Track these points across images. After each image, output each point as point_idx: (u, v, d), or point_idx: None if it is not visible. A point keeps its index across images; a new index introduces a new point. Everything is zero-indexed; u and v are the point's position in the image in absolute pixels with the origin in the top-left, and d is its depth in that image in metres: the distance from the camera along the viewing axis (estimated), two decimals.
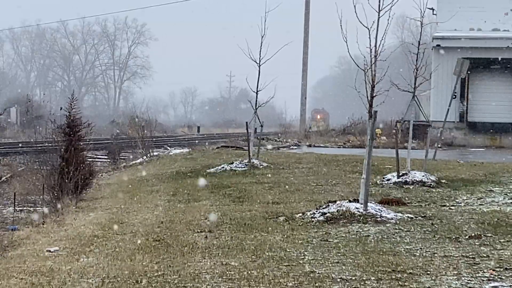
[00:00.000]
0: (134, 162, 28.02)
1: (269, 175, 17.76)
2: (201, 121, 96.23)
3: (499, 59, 33.87)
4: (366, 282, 7.07)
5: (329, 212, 10.85)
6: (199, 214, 11.74)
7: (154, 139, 32.70)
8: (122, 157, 31.72)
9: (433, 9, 35.62)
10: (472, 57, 31.25)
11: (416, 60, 16.49)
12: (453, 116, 32.68)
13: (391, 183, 15.61)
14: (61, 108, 20.98)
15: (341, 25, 11.83)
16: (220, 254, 8.51)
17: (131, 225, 11.22)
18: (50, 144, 18.15)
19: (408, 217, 10.72)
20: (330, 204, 11.23)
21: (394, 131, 28.09)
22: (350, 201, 11.24)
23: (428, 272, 7.40)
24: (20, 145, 35.27)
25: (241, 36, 20.23)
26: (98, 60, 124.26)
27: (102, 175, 23.49)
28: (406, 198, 13.60)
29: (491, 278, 7.16)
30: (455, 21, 29.54)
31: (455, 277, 7.21)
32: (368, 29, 11.34)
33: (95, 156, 31.18)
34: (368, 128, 11.45)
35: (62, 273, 7.93)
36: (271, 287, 7.00)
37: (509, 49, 33.75)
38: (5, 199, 18.47)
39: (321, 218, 10.73)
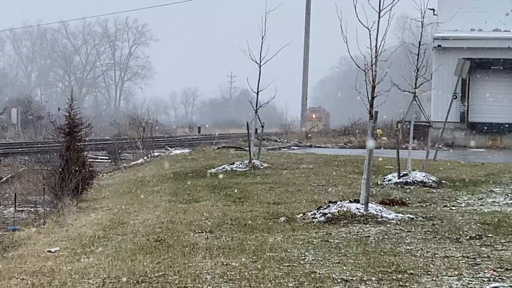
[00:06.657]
0: (134, 162, 28.00)
1: (270, 176, 17.75)
2: (202, 122, 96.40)
3: (500, 59, 33.85)
4: (367, 282, 7.06)
5: (330, 213, 10.84)
6: (200, 215, 11.74)
7: (154, 140, 32.67)
8: (122, 158, 31.72)
9: (434, 10, 35.58)
10: (473, 58, 31.26)
11: (417, 60, 16.49)
12: (454, 116, 32.65)
13: (392, 184, 15.61)
14: (59, 109, 21.01)
15: (341, 26, 11.85)
16: (220, 255, 8.51)
17: (132, 225, 11.22)
18: (50, 145, 18.16)
19: (409, 217, 10.71)
20: (331, 204, 11.23)
21: (395, 131, 28.08)
22: (351, 202, 11.24)
23: (429, 273, 7.40)
24: (21, 145, 35.29)
25: (242, 36, 20.25)
26: (99, 60, 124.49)
27: (102, 175, 23.49)
28: (407, 199, 13.60)
29: (492, 279, 7.15)
30: (456, 21, 29.61)
31: (456, 277, 7.21)
32: (369, 29, 11.34)
33: (95, 156, 31.18)
34: (369, 128, 11.45)
35: (63, 273, 7.92)
36: None
37: (510, 49, 33.74)
38: (6, 199, 18.45)
39: (322, 218, 10.73)
